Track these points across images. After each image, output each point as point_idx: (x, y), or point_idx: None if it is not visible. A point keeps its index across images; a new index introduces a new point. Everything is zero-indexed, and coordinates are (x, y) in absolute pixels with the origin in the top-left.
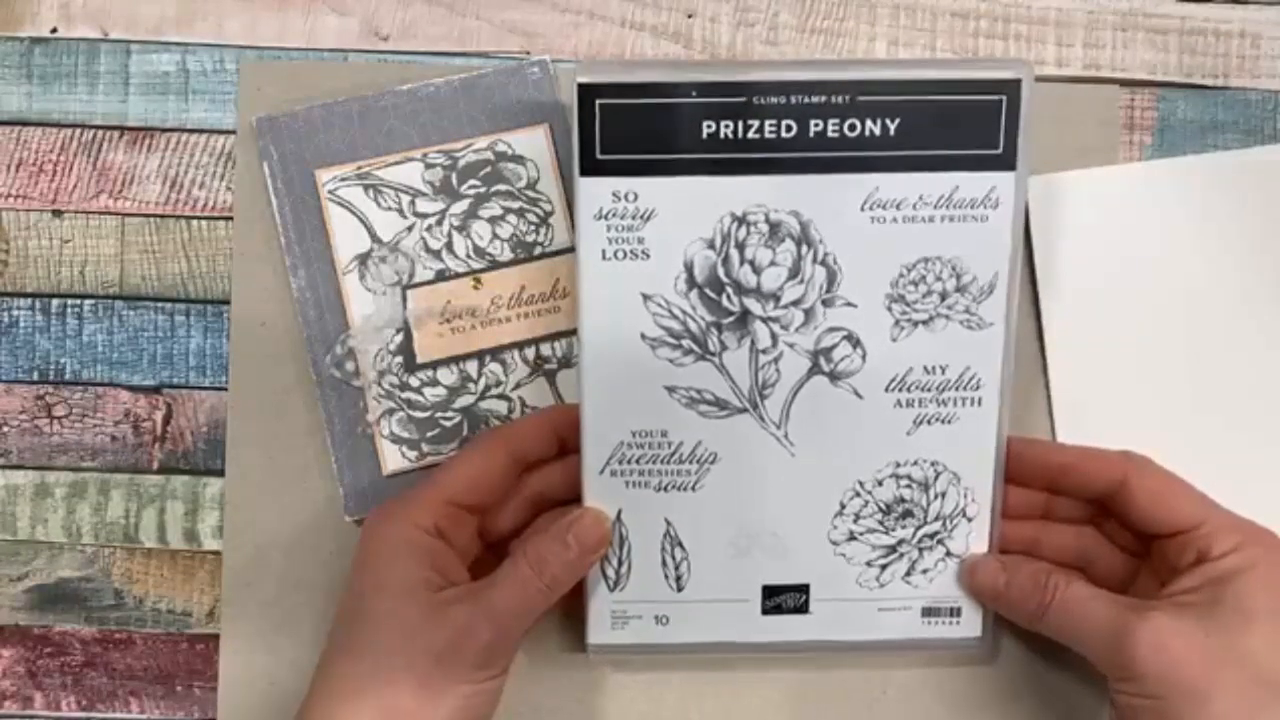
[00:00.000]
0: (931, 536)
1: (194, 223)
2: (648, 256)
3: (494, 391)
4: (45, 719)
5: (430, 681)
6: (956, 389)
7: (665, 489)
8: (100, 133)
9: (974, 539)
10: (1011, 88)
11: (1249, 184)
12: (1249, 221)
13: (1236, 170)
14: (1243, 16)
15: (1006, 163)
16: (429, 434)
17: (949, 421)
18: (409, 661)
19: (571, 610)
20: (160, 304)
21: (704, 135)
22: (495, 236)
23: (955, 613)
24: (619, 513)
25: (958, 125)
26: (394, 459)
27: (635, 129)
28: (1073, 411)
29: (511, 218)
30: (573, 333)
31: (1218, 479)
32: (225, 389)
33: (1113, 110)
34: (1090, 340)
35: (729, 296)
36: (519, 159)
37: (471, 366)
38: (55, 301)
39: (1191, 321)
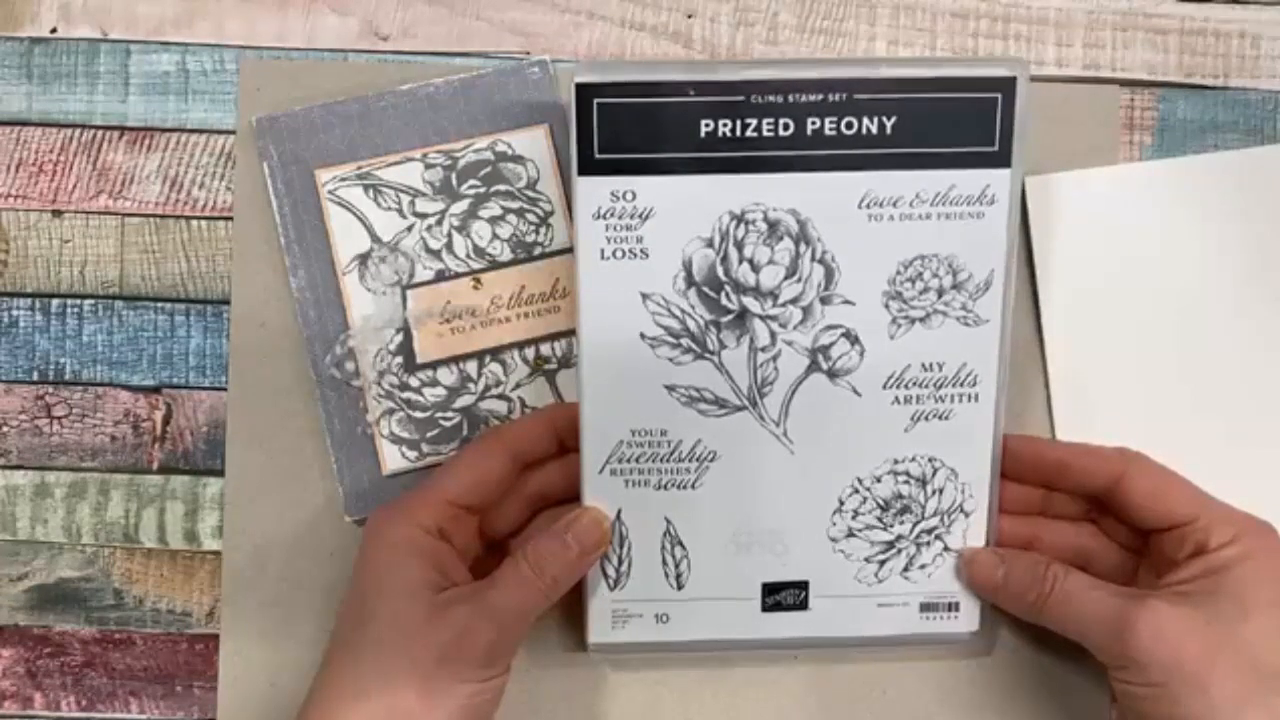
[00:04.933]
0: (929, 532)
1: (194, 223)
2: (646, 255)
3: (494, 391)
4: (45, 719)
5: (433, 682)
6: (954, 385)
7: (665, 487)
8: (100, 133)
9: (971, 534)
10: (1007, 85)
11: (1249, 184)
12: (1249, 221)
13: (1236, 170)
14: (1243, 16)
15: (1002, 160)
16: (429, 434)
17: (946, 418)
18: (411, 662)
19: (572, 609)
20: (160, 304)
21: (702, 134)
22: (495, 236)
23: (953, 607)
24: (619, 512)
25: (954, 123)
26: (394, 459)
27: (633, 128)
28: (1073, 411)
29: (511, 218)
30: (573, 333)
31: (1216, 476)
32: (225, 389)
33: (1113, 110)
34: (1090, 340)
35: (728, 295)
36: (519, 159)
37: (471, 366)
38: (55, 301)
39: (1191, 321)
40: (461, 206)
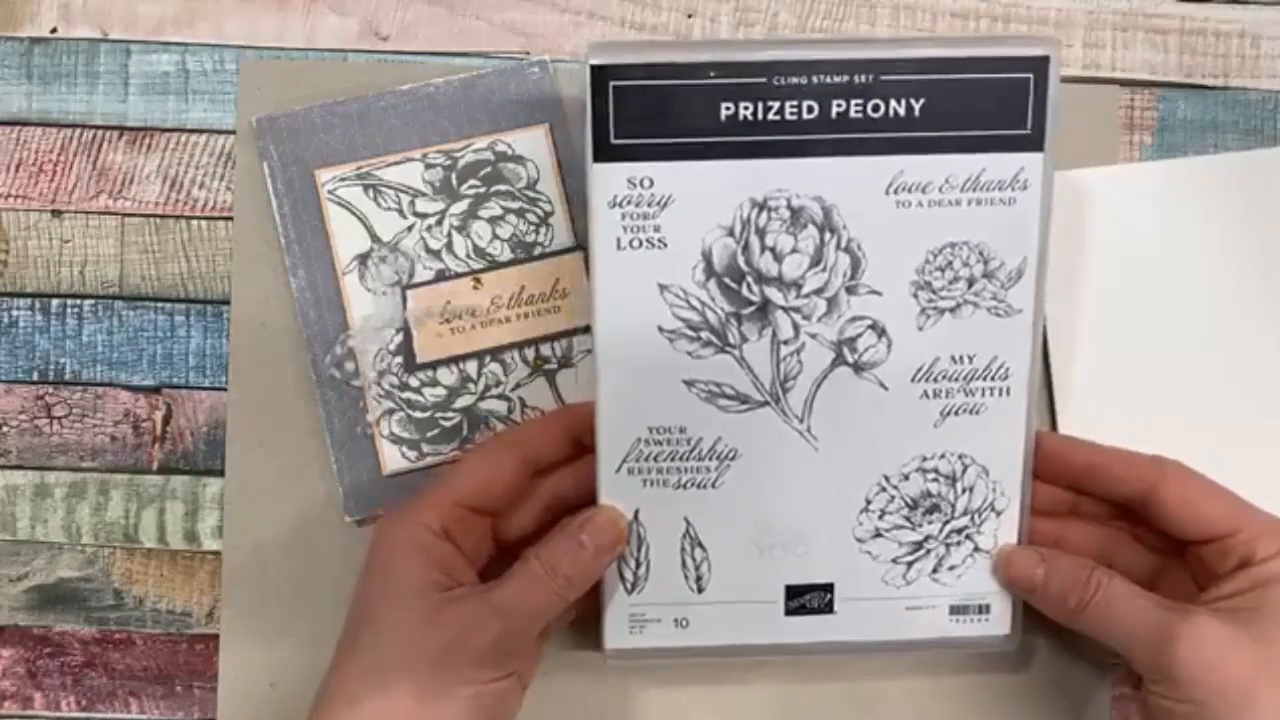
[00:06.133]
0: (959, 532)
1: (194, 223)
2: (664, 245)
3: (494, 391)
4: (45, 719)
5: (430, 682)
6: (984, 379)
7: (684, 487)
8: (100, 133)
9: (1003, 534)
10: (1040, 65)
11: (1249, 184)
12: (1249, 222)
13: (1236, 171)
14: (1243, 16)
15: (1035, 143)
16: (429, 434)
17: (977, 412)
18: (409, 663)
19: (587, 614)
20: (160, 304)
21: (722, 117)
22: (495, 236)
23: (984, 610)
24: (636, 512)
25: (985, 105)
26: (394, 459)
27: (651, 112)
28: (1075, 411)
29: (511, 218)
30: (572, 333)
31: (1214, 477)
32: (225, 389)
33: (1113, 110)
34: (1091, 339)
35: (749, 286)
36: (519, 159)
37: (471, 366)
38: (55, 301)
39: (1191, 321)
40: (461, 206)
